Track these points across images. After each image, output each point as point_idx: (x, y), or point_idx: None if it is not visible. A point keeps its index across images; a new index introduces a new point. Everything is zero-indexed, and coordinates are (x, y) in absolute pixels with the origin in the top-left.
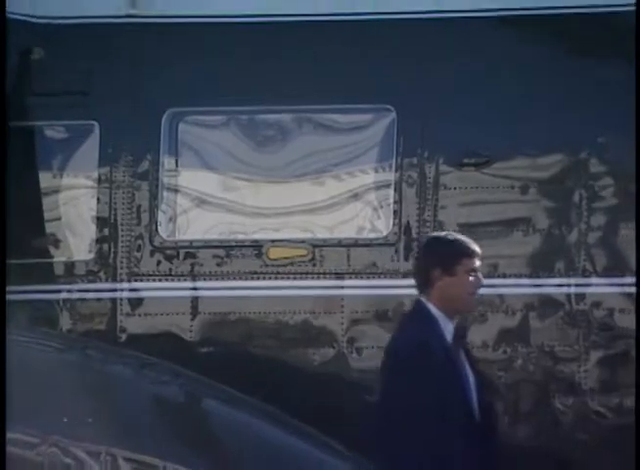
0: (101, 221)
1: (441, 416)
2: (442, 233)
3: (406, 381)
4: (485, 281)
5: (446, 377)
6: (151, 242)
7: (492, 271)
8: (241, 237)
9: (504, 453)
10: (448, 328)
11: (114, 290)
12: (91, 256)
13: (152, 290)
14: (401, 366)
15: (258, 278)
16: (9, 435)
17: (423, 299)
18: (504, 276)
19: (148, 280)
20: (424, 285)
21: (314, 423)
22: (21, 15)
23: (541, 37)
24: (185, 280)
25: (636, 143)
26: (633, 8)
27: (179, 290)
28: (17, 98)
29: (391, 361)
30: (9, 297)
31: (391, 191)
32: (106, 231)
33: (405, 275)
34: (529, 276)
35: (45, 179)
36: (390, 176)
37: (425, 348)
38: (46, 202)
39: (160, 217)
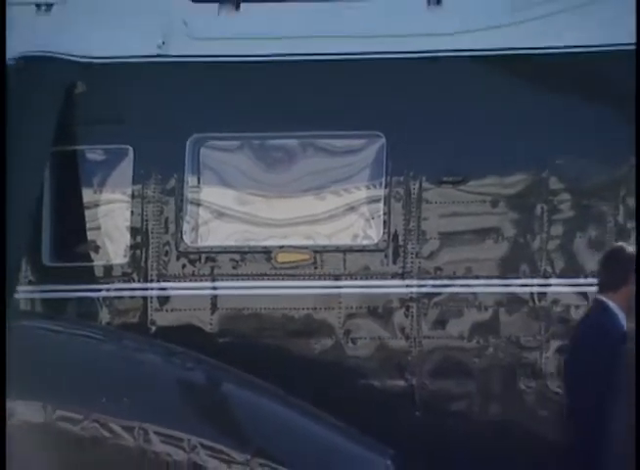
0: (134, 230)
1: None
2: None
3: (598, 362)
4: (461, 281)
5: (621, 359)
6: (176, 248)
7: (467, 273)
8: (253, 244)
9: (480, 424)
10: (624, 321)
11: (146, 289)
12: (126, 259)
13: (177, 289)
14: (593, 352)
15: (268, 279)
16: (60, 412)
17: (602, 297)
18: (477, 277)
19: (174, 280)
20: (610, 286)
21: (314, 401)
22: (66, 54)
23: (507, 75)
24: (206, 280)
25: (636, 144)
26: (584, 49)
27: (201, 289)
28: (63, 126)
29: (584, 347)
30: (58, 294)
31: (381, 205)
32: (138, 239)
33: (393, 276)
34: (499, 277)
35: (87, 195)
36: (381, 192)
37: (611, 335)
38: (88, 214)
39: (185, 227)
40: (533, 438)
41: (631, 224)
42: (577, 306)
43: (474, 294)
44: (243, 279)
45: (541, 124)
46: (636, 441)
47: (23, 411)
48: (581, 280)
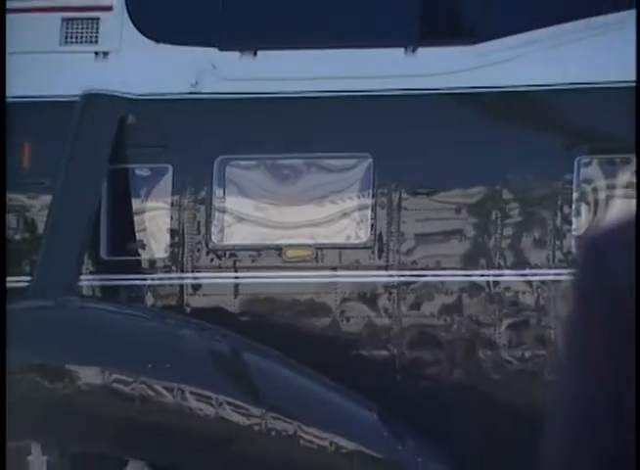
0: (173, 232)
1: None
2: None
3: None
4: (432, 272)
5: None
6: (206, 245)
7: (437, 265)
8: (267, 242)
9: (447, 385)
10: None
11: (182, 278)
12: (166, 254)
13: (207, 278)
14: None
15: (279, 270)
16: (115, 376)
17: None
18: (444, 269)
19: (204, 271)
20: None
21: (316, 367)
22: (119, 92)
23: (469, 108)
24: (229, 271)
25: (636, 145)
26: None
27: (225, 278)
28: (117, 148)
29: None
30: (113, 282)
31: (369, 211)
32: (176, 238)
33: (378, 268)
34: (462, 269)
35: (136, 203)
36: (368, 201)
37: None
38: (136, 218)
39: (213, 229)
40: (487, 395)
41: (567, 227)
42: (524, 292)
43: (442, 282)
44: (259, 270)
45: (496, 148)
46: (636, 440)
47: (86, 375)
48: (527, 271)
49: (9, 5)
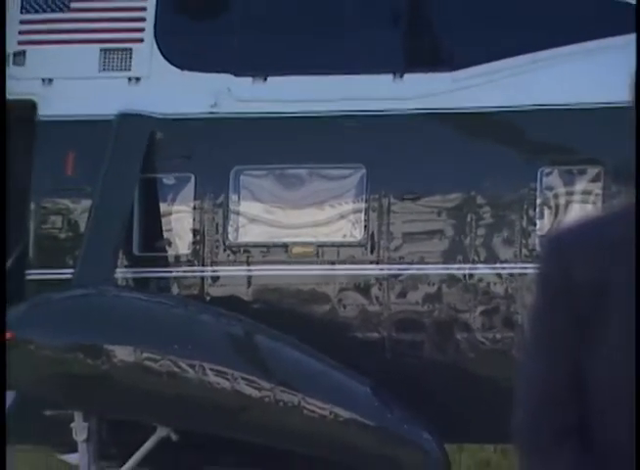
0: (195, 231)
1: None
2: None
3: None
4: (416, 266)
5: None
6: (223, 243)
7: (421, 260)
8: (275, 240)
9: (429, 362)
10: None
11: (203, 271)
12: (189, 251)
13: (224, 271)
14: None
15: (286, 264)
16: (145, 354)
17: None
18: (427, 263)
19: (222, 265)
20: None
21: (317, 347)
22: (148, 112)
23: (446, 126)
24: (243, 266)
25: (636, 147)
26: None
27: (240, 271)
28: (147, 160)
29: None
30: (144, 275)
31: (363, 214)
32: (198, 237)
33: (371, 262)
34: (442, 263)
35: (163, 207)
36: (362, 205)
37: None
38: (164, 220)
39: (229, 229)
40: (463, 370)
41: (532, 227)
42: (495, 283)
43: (425, 274)
44: (268, 264)
45: (471, 160)
46: (636, 440)
47: (121, 353)
48: (497, 265)
49: (55, 37)
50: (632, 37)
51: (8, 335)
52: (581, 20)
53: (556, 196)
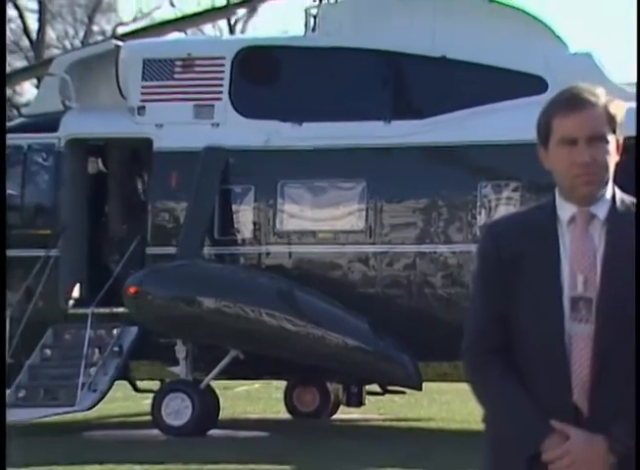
0: (255, 223)
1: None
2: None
3: None
4: (400, 246)
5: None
6: (273, 230)
7: (402, 242)
8: (307, 229)
9: (409, 312)
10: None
11: (259, 249)
12: (251, 236)
13: (273, 249)
14: None
15: (314, 245)
16: (222, 302)
17: None
18: (406, 244)
19: (272, 245)
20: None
21: (335, 298)
22: (224, 146)
23: (419, 156)
24: (286, 245)
25: (636, 146)
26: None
27: (284, 249)
28: (224, 177)
29: None
30: (222, 251)
31: (364, 212)
32: (257, 226)
33: (369, 244)
34: (416, 244)
35: (234, 207)
36: (364, 206)
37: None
38: (235, 215)
39: (277, 221)
40: (429, 312)
41: (474, 221)
42: (450, 257)
43: (404, 251)
44: (302, 245)
45: (436, 176)
46: (636, 440)
47: (207, 302)
48: (452, 246)
49: (165, 97)
50: (538, 98)
51: (133, 289)
52: (504, 87)
53: (489, 201)
